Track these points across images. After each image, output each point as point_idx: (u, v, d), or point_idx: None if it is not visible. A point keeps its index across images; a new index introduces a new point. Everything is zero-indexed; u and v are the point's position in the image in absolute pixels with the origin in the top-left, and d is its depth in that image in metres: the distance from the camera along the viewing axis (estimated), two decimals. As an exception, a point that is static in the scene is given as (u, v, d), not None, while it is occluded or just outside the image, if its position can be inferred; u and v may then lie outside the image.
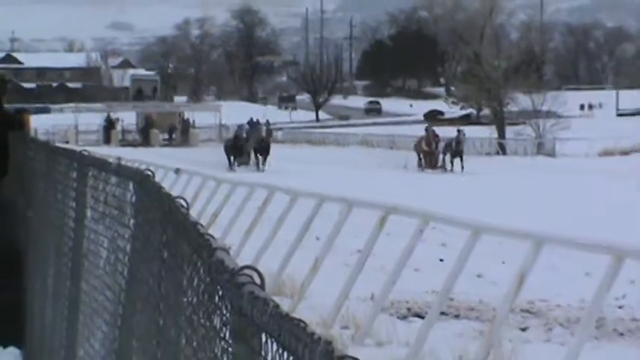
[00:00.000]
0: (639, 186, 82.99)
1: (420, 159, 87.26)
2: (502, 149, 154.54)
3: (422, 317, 28.39)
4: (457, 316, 29.16)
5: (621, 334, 27.51)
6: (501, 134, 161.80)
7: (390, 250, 32.07)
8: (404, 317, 30.13)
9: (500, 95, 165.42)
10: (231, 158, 79.19)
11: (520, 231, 27.11)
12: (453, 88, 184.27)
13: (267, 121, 79.14)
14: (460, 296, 29.77)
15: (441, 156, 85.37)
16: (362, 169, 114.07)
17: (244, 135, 79.96)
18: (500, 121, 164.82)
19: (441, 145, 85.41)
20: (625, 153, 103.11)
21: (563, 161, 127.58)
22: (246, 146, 79.63)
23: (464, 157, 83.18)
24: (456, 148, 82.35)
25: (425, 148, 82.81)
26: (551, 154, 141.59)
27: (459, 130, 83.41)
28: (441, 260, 32.63)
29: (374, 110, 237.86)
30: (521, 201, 75.99)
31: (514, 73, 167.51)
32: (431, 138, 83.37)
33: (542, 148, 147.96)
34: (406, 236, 30.96)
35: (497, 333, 24.48)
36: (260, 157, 78.37)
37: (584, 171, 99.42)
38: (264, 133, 77.71)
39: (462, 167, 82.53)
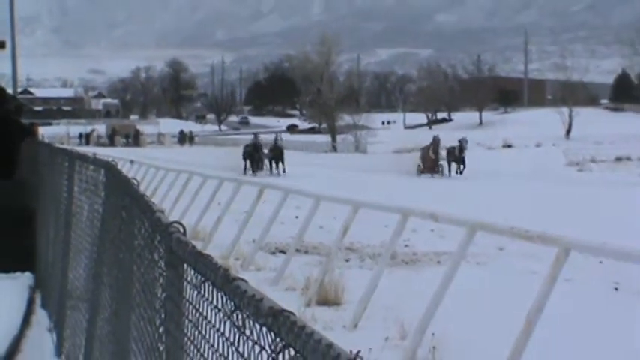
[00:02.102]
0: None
1: (422, 165, 72.05)
2: (334, 149, 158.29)
3: (284, 253, 28.63)
4: (306, 252, 29.47)
5: (406, 263, 28.05)
6: (334, 139, 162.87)
7: (265, 212, 31.16)
8: (273, 253, 30.45)
9: (334, 115, 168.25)
10: (247, 164, 67.58)
11: (342, 199, 26.40)
12: (304, 111, 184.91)
13: (277, 135, 64.29)
14: (308, 240, 29.59)
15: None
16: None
17: (261, 145, 67.97)
18: (333, 132, 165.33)
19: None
20: (409, 151, 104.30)
21: (370, 156, 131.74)
22: (262, 155, 67.59)
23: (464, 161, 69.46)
24: (458, 155, 68.90)
25: (432, 155, 68.70)
26: (364, 151, 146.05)
27: (460, 140, 69.08)
28: (297, 217, 32.25)
29: (244, 123, 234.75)
30: (350, 177, 73.65)
31: (342, 102, 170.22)
32: (437, 146, 69.93)
33: (358, 148, 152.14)
34: (275, 203, 30.56)
35: (331, 263, 23.82)
36: (274, 164, 67.05)
37: (383, 160, 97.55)
38: (279, 145, 66.56)
39: (461, 172, 68.68)
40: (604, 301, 21.50)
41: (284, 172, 65.98)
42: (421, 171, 70.11)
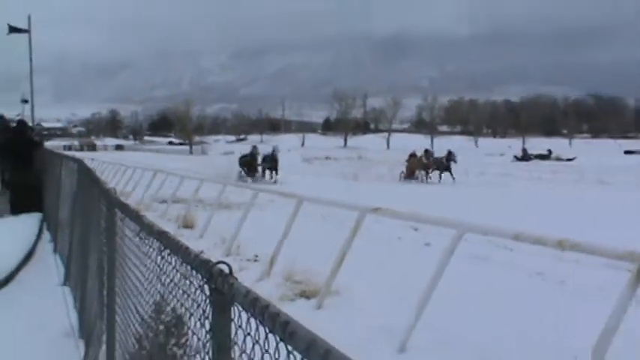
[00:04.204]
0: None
1: (404, 172, 57.63)
2: (191, 153, 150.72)
3: (167, 202, 28.44)
4: (178, 202, 28.01)
5: (227, 207, 26.48)
6: (191, 148, 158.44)
7: (157, 183, 32.74)
8: (161, 202, 30.08)
9: (191, 137, 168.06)
10: (243, 172, 55.06)
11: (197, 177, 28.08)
12: (176, 134, 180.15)
13: (274, 148, 53.54)
14: (178, 195, 28.44)
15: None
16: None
17: (258, 155, 55.43)
18: (190, 144, 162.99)
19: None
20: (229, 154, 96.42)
21: (208, 156, 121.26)
22: (256, 163, 55.12)
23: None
24: (446, 164, 56.14)
25: (424, 161, 56.36)
26: (206, 153, 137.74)
27: (450, 151, 56.59)
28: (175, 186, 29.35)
29: (146, 141, 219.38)
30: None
31: (195, 130, 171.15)
32: (430, 156, 57.25)
33: (202, 152, 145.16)
34: (165, 179, 32.72)
35: (189, 207, 25.28)
36: (269, 173, 54.25)
37: (213, 159, 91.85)
38: (276, 156, 53.59)
39: (453, 178, 54.94)
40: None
41: (272, 178, 53.94)
42: (405, 177, 56.86)
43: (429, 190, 46.01)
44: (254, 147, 57.74)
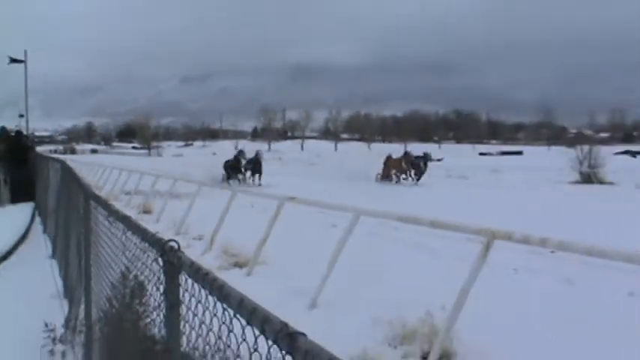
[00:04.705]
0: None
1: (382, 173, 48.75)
2: (149, 155, 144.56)
3: (130, 194, 27.83)
4: (139, 194, 27.21)
5: (177, 197, 24.74)
6: (149, 151, 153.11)
7: (123, 178, 31.75)
8: (126, 194, 28.98)
9: (149, 141, 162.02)
10: (228, 174, 46.17)
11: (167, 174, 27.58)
12: (137, 140, 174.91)
13: (258, 152, 48.27)
14: (140, 188, 27.74)
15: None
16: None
17: (242, 159, 47.10)
18: (149, 148, 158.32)
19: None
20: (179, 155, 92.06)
21: (162, 157, 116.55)
22: (241, 166, 46.75)
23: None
24: (424, 168, 47.54)
25: (404, 166, 47.14)
26: (161, 156, 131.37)
27: (424, 154, 48.33)
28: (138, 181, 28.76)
29: (114, 145, 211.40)
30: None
31: (157, 136, 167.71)
32: (410, 159, 47.97)
33: (158, 154, 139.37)
34: (130, 176, 31.55)
35: (148, 197, 25.03)
36: (252, 174, 45.89)
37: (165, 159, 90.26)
38: (260, 159, 46.42)
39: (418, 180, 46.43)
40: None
41: (259, 180, 45.15)
42: (381, 178, 48.18)
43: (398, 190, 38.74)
44: (240, 151, 48.56)
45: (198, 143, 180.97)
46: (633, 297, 10.11)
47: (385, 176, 47.89)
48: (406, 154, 49.34)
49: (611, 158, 47.64)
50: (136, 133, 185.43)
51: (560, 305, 9.55)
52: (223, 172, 46.61)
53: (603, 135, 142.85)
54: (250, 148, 60.17)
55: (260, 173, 45.75)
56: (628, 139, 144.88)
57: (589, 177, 46.66)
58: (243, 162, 46.87)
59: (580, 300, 9.83)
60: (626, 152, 34.64)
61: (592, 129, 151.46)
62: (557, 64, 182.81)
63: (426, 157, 48.22)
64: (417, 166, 47.26)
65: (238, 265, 13.09)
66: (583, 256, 6.37)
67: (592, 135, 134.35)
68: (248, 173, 46.41)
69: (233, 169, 46.87)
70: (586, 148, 49.91)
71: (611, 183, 44.17)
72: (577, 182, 45.32)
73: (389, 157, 50.13)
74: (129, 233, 4.07)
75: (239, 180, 45.39)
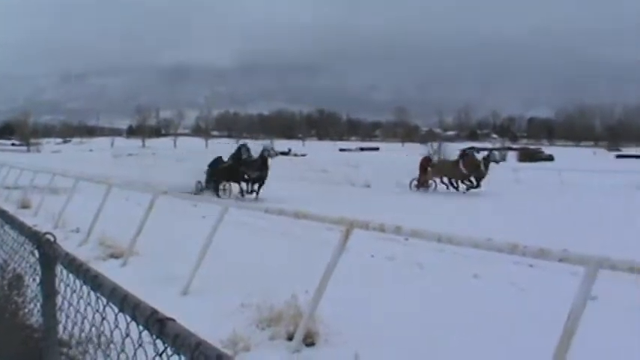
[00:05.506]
0: None
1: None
2: (29, 151, 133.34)
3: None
4: (17, 188, 25.61)
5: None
6: (28, 147, 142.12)
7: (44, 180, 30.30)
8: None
9: (29, 138, 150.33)
10: (214, 183, 30.35)
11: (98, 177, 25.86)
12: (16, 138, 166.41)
13: (265, 145, 32.05)
14: (53, 186, 25.26)
15: None
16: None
17: (247, 155, 30.02)
18: (28, 145, 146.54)
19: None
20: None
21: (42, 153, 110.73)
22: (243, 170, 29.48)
23: None
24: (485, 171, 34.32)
25: (463, 170, 33.31)
26: (40, 152, 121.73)
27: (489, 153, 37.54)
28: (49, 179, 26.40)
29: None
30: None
31: (35, 133, 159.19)
32: (474, 161, 33.64)
33: (38, 151, 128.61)
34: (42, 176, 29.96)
35: (27, 194, 23.26)
36: (255, 185, 29.57)
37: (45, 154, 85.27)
38: (267, 158, 29.83)
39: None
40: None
41: (257, 194, 29.23)
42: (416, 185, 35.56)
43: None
44: (242, 146, 31.56)
45: (76, 140, 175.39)
46: (477, 278, 10.52)
47: (422, 183, 35.68)
48: (466, 154, 35.91)
49: (456, 153, 49.52)
50: (15, 131, 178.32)
51: (412, 287, 9.88)
52: (201, 179, 31.06)
53: (451, 133, 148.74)
54: (126, 144, 58.21)
55: (264, 181, 29.95)
56: (473, 136, 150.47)
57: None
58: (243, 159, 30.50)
59: (430, 281, 10.25)
60: (471, 149, 35.82)
61: (441, 128, 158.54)
62: (411, 69, 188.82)
63: (490, 157, 35.19)
64: (477, 170, 34.45)
65: (114, 255, 12.80)
66: (439, 244, 6.46)
67: (441, 133, 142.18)
68: (244, 185, 30.35)
69: (228, 175, 30.49)
70: (436, 144, 51.55)
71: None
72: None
73: (426, 159, 38.00)
74: (6, 227, 3.98)
75: (242, 193, 30.03)
